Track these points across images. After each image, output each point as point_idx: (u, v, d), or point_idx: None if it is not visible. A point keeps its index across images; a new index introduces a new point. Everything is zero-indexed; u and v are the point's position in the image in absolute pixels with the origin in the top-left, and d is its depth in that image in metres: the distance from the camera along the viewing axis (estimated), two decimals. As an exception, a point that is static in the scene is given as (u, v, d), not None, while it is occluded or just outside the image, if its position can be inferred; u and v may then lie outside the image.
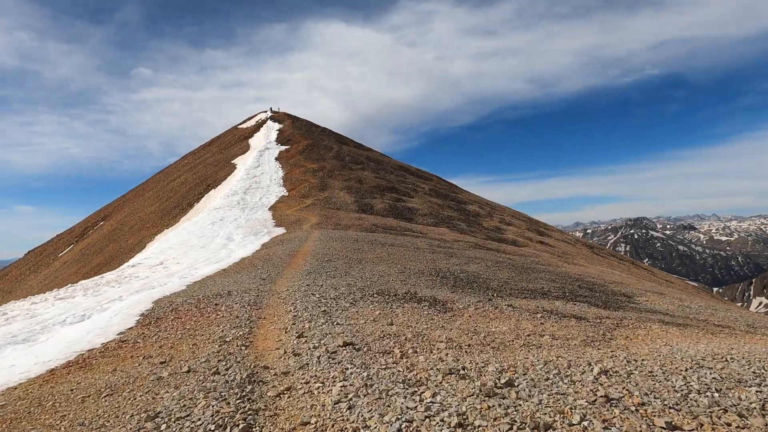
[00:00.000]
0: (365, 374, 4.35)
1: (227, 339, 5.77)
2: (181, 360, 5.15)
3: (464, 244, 29.33)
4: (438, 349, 5.28)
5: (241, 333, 6.03)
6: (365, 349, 5.17)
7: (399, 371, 4.49)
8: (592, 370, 4.48)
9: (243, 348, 5.40)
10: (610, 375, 4.36)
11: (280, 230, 25.61)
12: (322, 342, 5.41)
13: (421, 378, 4.28)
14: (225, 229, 27.95)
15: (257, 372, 4.66)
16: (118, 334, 6.82)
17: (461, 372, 4.43)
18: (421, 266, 14.89)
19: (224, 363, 4.98)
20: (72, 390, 4.71)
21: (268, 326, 6.46)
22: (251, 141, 48.43)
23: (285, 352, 5.14)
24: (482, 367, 4.61)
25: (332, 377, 4.33)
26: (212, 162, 46.52)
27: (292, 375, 4.52)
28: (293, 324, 6.38)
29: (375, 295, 9.08)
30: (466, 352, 5.17)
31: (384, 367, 4.61)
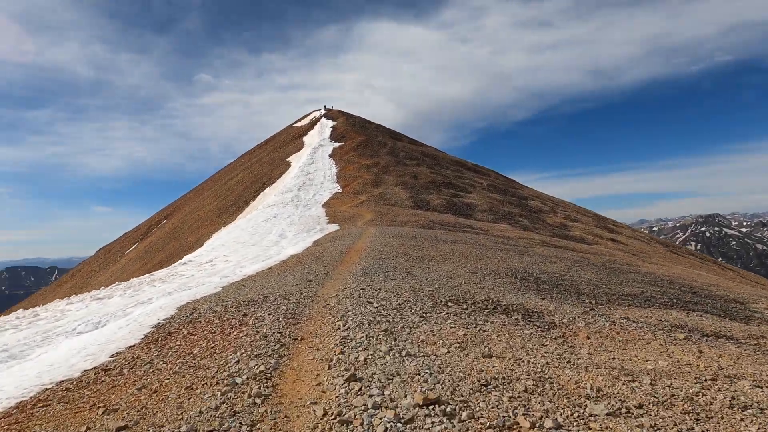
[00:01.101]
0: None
1: (239, 379, 3.69)
2: (151, 427, 3.09)
3: (530, 241, 26.24)
4: (592, 416, 2.88)
5: (262, 368, 3.95)
6: (464, 415, 2.87)
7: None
8: None
9: (258, 401, 3.27)
10: None
11: (334, 227, 23.83)
12: (387, 395, 3.17)
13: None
14: (278, 226, 26.54)
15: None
16: (110, 357, 4.96)
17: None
18: (493, 265, 12.35)
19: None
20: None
21: (304, 355, 4.35)
22: (305, 139, 47.37)
23: (325, 415, 2.95)
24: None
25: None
26: (267, 160, 45.88)
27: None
28: (341, 353, 4.21)
29: (449, 304, 6.76)
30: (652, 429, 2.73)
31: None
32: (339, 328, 5.18)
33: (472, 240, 19.92)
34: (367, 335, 4.78)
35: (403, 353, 4.17)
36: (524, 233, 30.22)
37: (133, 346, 5.24)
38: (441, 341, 4.69)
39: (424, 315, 5.89)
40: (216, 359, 4.24)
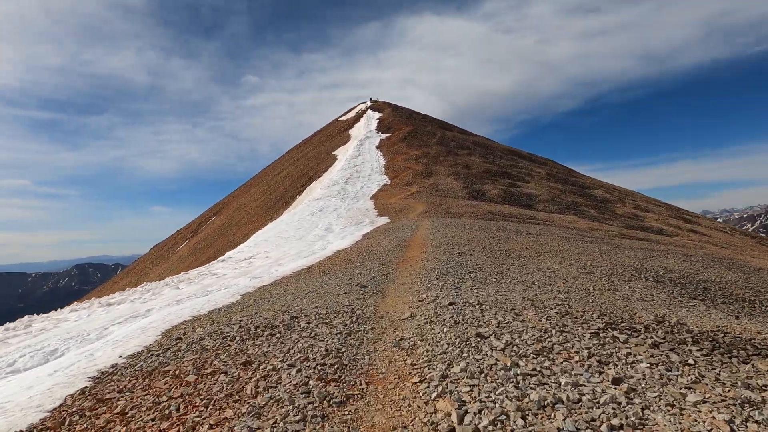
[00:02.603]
0: None
1: None
2: None
3: (605, 233, 22.16)
4: None
5: None
6: None
7: None
8: None
9: None
10: None
11: (384, 219, 20.85)
12: None
13: None
14: (324, 219, 23.88)
15: None
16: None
17: None
18: (603, 262, 8.87)
19: None
20: None
21: None
22: (351, 131, 44.70)
23: None
24: None
25: None
26: (313, 155, 43.64)
27: None
28: None
29: (615, 333, 3.52)
30: None
31: None
32: (444, 424, 2.10)
33: (547, 231, 16.33)
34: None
35: None
36: (595, 225, 25.98)
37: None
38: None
39: (601, 369, 2.70)
40: None
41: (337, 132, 47.55)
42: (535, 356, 2.96)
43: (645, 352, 3.23)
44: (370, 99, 54.76)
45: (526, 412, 2.31)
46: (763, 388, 2.68)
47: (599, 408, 2.35)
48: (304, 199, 33.26)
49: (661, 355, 3.20)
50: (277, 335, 3.68)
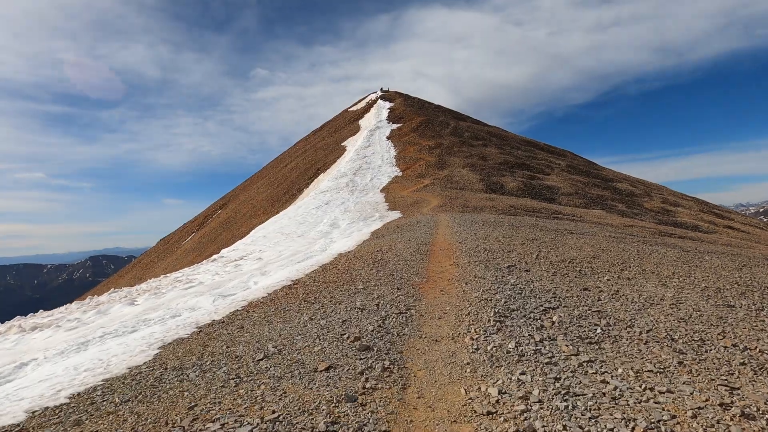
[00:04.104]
0: None
1: None
2: None
3: (641, 229, 18.96)
4: None
5: None
6: None
7: None
8: None
9: None
10: None
11: (395, 214, 17.96)
12: None
13: None
14: (330, 214, 21.02)
15: None
16: None
17: None
18: (705, 277, 5.86)
19: None
20: None
21: None
22: (361, 122, 41.64)
23: None
24: None
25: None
26: (322, 146, 40.75)
27: None
28: None
29: None
30: None
31: None
32: None
33: (594, 230, 13.31)
34: None
35: None
36: (628, 220, 22.77)
37: None
38: None
39: None
40: None
41: (347, 123, 44.58)
42: None
43: None
44: (381, 89, 51.54)
45: None
46: None
47: None
48: (311, 192, 30.53)
49: None
50: None
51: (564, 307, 3.96)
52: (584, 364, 2.72)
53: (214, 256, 16.76)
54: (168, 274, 13.66)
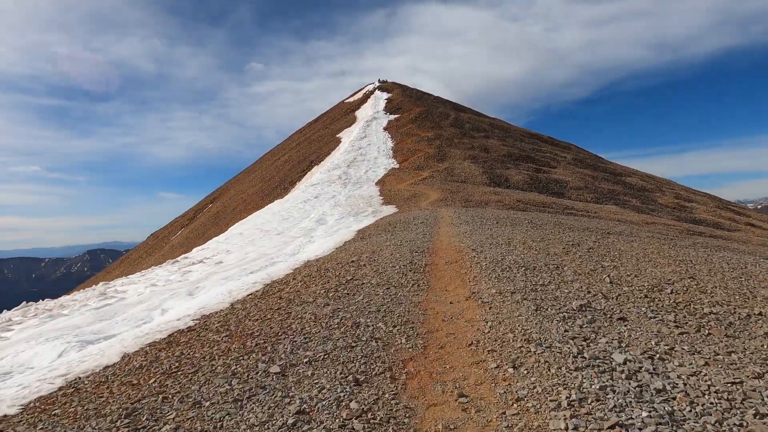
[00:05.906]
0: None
1: None
2: None
3: (668, 228, 16.60)
4: None
5: None
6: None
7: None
8: None
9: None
10: None
11: (390, 209, 15.57)
12: None
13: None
14: (318, 208, 18.57)
15: None
16: None
17: None
18: None
19: None
20: None
21: None
22: (357, 113, 39.09)
23: None
24: None
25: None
26: (317, 138, 38.26)
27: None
28: None
29: None
30: None
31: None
32: None
33: (625, 230, 10.87)
34: None
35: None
36: (647, 217, 20.27)
37: None
38: None
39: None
40: None
41: (343, 114, 42.02)
42: None
43: None
44: (378, 79, 48.96)
45: None
46: None
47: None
48: (302, 185, 28.07)
49: None
50: None
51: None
52: None
53: (180, 257, 14.30)
54: (115, 280, 11.24)
